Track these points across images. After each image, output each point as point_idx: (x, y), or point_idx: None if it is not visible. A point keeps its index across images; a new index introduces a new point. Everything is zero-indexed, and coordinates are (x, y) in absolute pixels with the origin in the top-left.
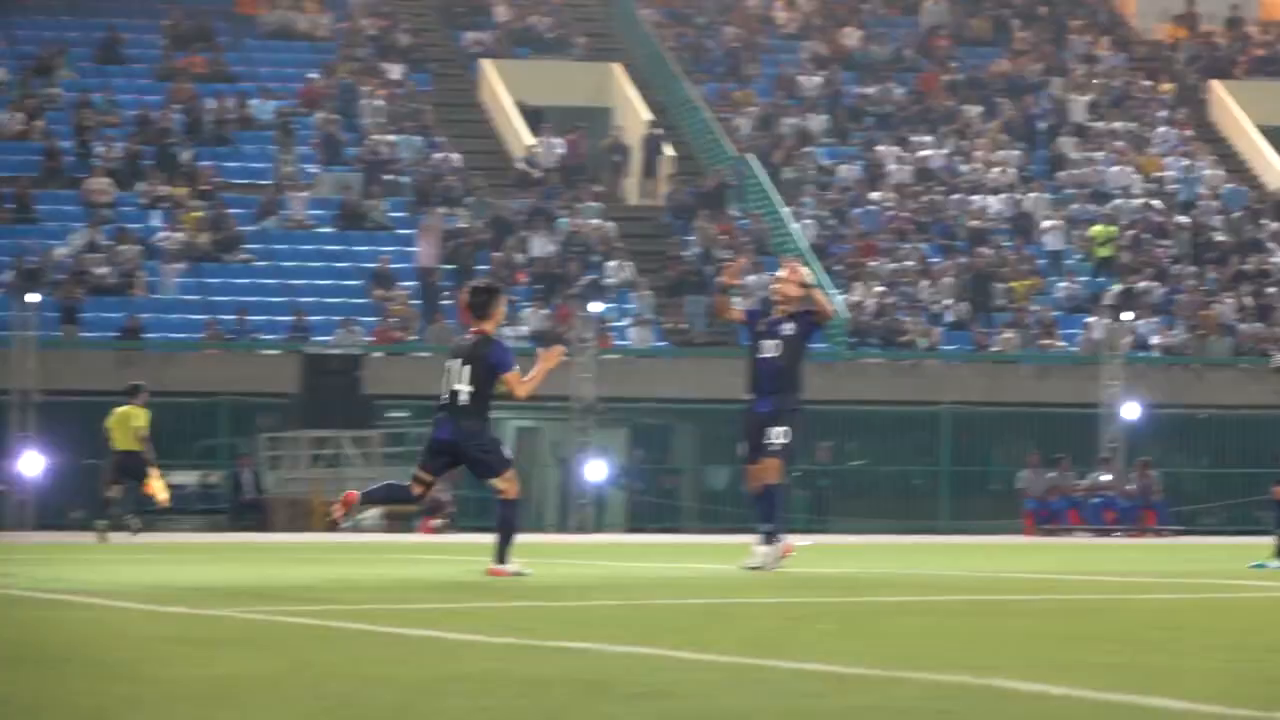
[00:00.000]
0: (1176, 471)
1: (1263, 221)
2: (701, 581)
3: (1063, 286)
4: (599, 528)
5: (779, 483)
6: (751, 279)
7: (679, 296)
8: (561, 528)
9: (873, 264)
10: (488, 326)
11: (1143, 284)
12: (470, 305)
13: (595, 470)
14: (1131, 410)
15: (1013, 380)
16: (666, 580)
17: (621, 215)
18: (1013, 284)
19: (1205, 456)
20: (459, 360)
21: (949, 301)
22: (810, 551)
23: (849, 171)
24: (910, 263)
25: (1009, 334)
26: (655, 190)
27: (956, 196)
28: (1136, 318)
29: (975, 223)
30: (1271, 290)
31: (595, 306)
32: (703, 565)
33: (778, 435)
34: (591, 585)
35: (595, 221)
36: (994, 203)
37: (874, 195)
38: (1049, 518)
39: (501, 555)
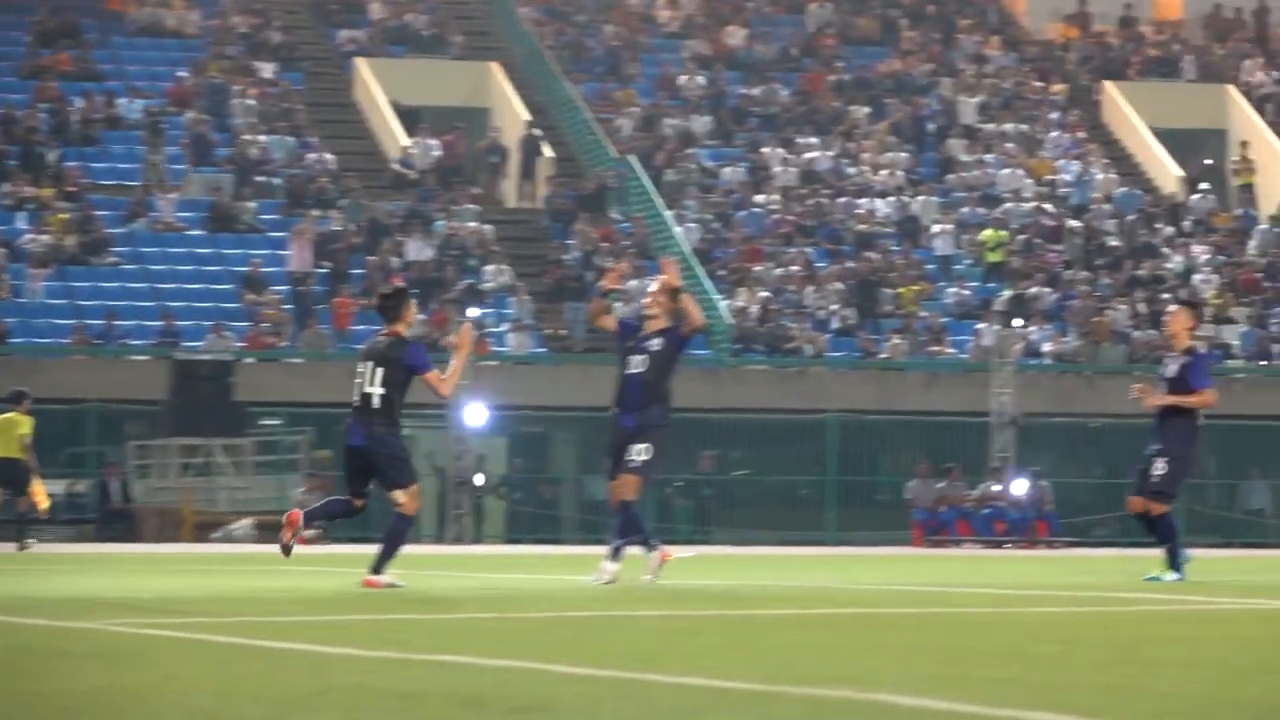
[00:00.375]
0: (1069, 481)
1: (1157, 226)
2: (581, 594)
3: (952, 292)
4: (477, 538)
5: (635, 499)
6: (633, 284)
7: (559, 302)
8: (438, 538)
9: (757, 269)
10: (400, 328)
11: (1034, 290)
12: (381, 308)
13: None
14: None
15: (901, 388)
16: (545, 592)
17: (500, 218)
18: (901, 290)
19: (1098, 466)
20: (370, 363)
21: (835, 307)
22: (692, 563)
23: (733, 174)
24: (796, 268)
25: (897, 340)
26: (534, 192)
27: (843, 200)
28: (1027, 324)
29: (862, 227)
30: (1165, 296)
31: (473, 312)
32: (582, 577)
33: (638, 452)
34: (468, 597)
35: (473, 224)
36: (882, 206)
37: (759, 198)
38: (938, 529)
39: (379, 566)
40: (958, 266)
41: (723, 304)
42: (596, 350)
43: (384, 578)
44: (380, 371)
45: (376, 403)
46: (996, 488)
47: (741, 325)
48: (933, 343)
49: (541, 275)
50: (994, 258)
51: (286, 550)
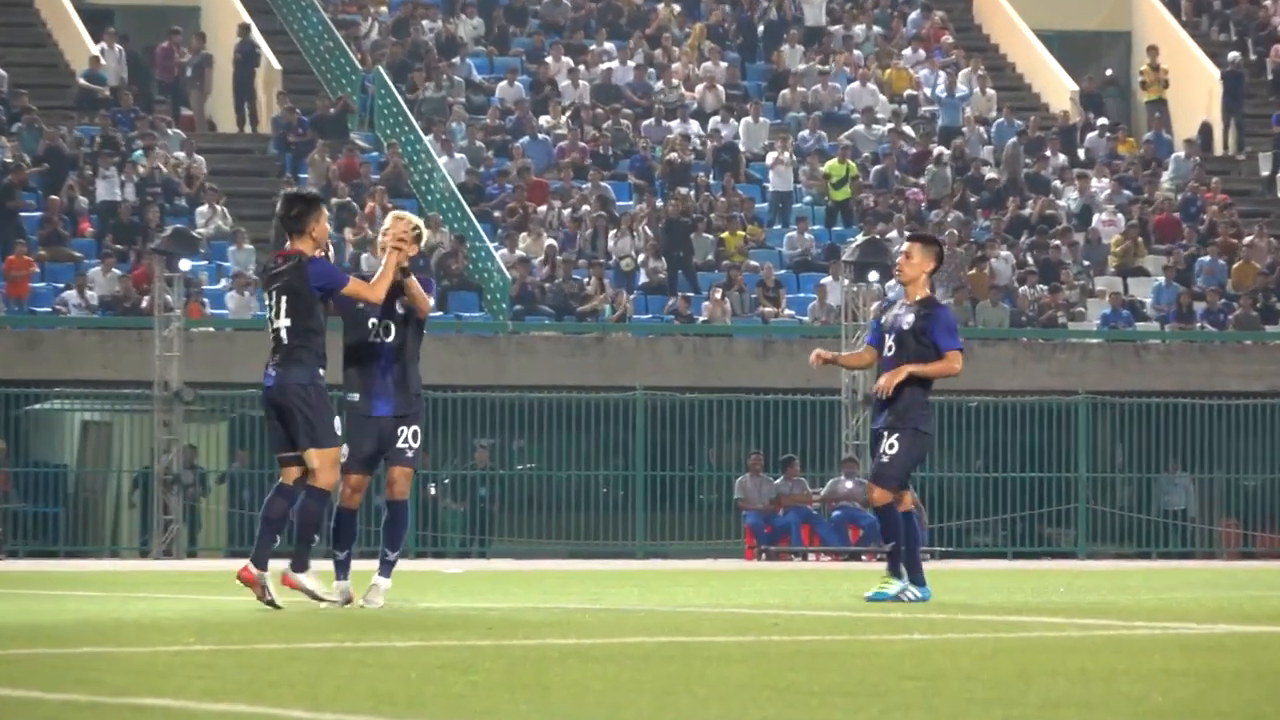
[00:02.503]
0: (938, 476)
1: (1046, 154)
2: (318, 620)
3: (789, 238)
4: (192, 551)
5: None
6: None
7: None
8: (143, 551)
9: (541, 209)
10: (304, 245)
11: (892, 234)
12: (284, 218)
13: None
14: None
15: (725, 359)
16: (275, 619)
17: (214, 147)
18: (724, 235)
19: (976, 456)
20: (274, 290)
21: (641, 258)
22: (463, 581)
23: (509, 91)
24: (589, 208)
25: (719, 299)
26: (257, 115)
27: (649, 123)
28: (884, 278)
29: (674, 156)
30: (1057, 243)
31: (183, 265)
32: (330, 598)
33: (410, 439)
34: (181, 624)
35: (180, 155)
36: (698, 130)
37: (543, 121)
38: (775, 536)
39: (297, 559)
40: (796, 205)
41: (499, 254)
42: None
43: (306, 579)
44: (284, 300)
45: (285, 337)
46: (849, 484)
47: (523, 281)
48: (764, 302)
49: (268, 219)
50: (840, 195)
51: (273, 604)
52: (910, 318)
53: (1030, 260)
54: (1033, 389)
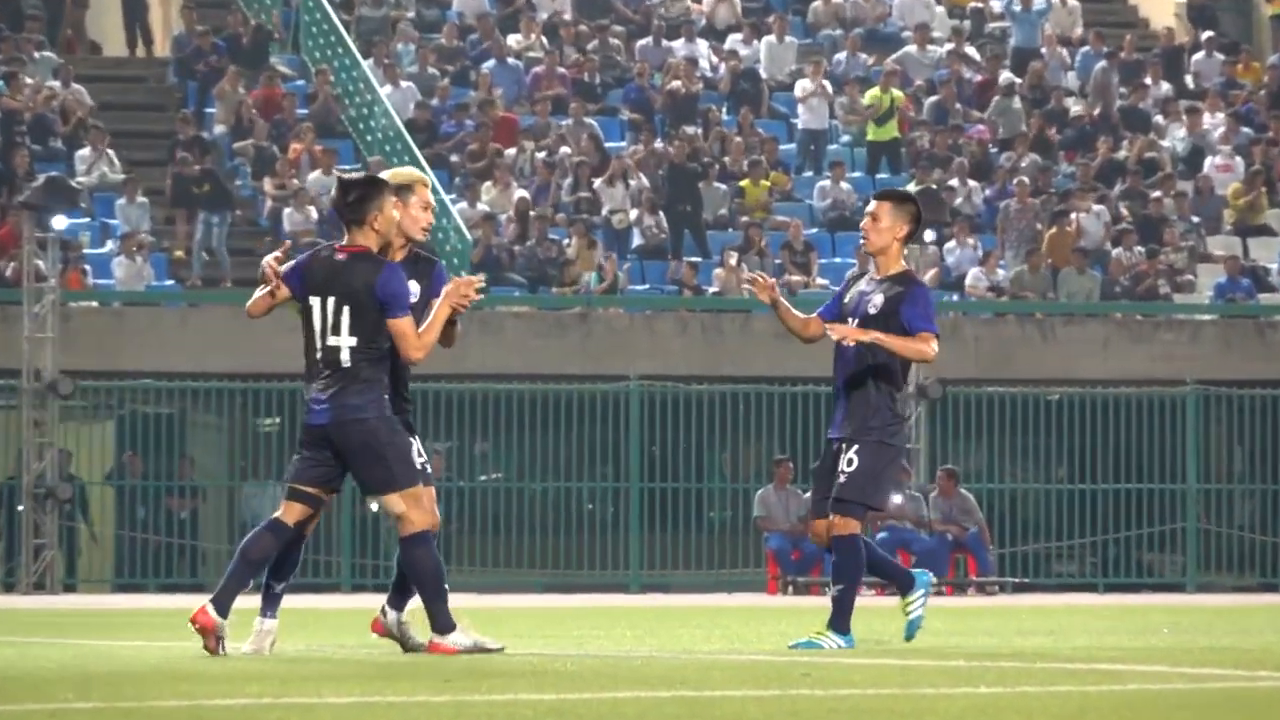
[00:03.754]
0: (1010, 489)
1: (1145, 82)
2: (231, 671)
3: (822, 189)
4: (70, 584)
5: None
6: (314, 181)
7: (192, 208)
8: (8, 585)
9: (510, 153)
10: (366, 239)
11: (952, 183)
12: (339, 207)
13: None
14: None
15: (742, 342)
16: (176, 669)
17: (97, 74)
18: (741, 185)
19: (1058, 463)
20: (329, 297)
21: (635, 213)
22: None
23: (470, 3)
24: (570, 151)
25: (734, 265)
26: (152, 35)
27: (645, 43)
28: (940, 238)
29: (677, 84)
30: (1159, 194)
31: (58, 223)
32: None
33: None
34: (58, 677)
35: (54, 85)
36: (706, 53)
37: (512, 41)
38: (804, 564)
39: (439, 621)
40: (831, 147)
41: (456, 210)
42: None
43: (459, 638)
44: (348, 312)
45: (346, 360)
46: (897, 499)
47: (487, 243)
48: (791, 269)
49: (168, 164)
50: (886, 134)
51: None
52: (879, 299)
53: (1126, 215)
54: (1129, 378)
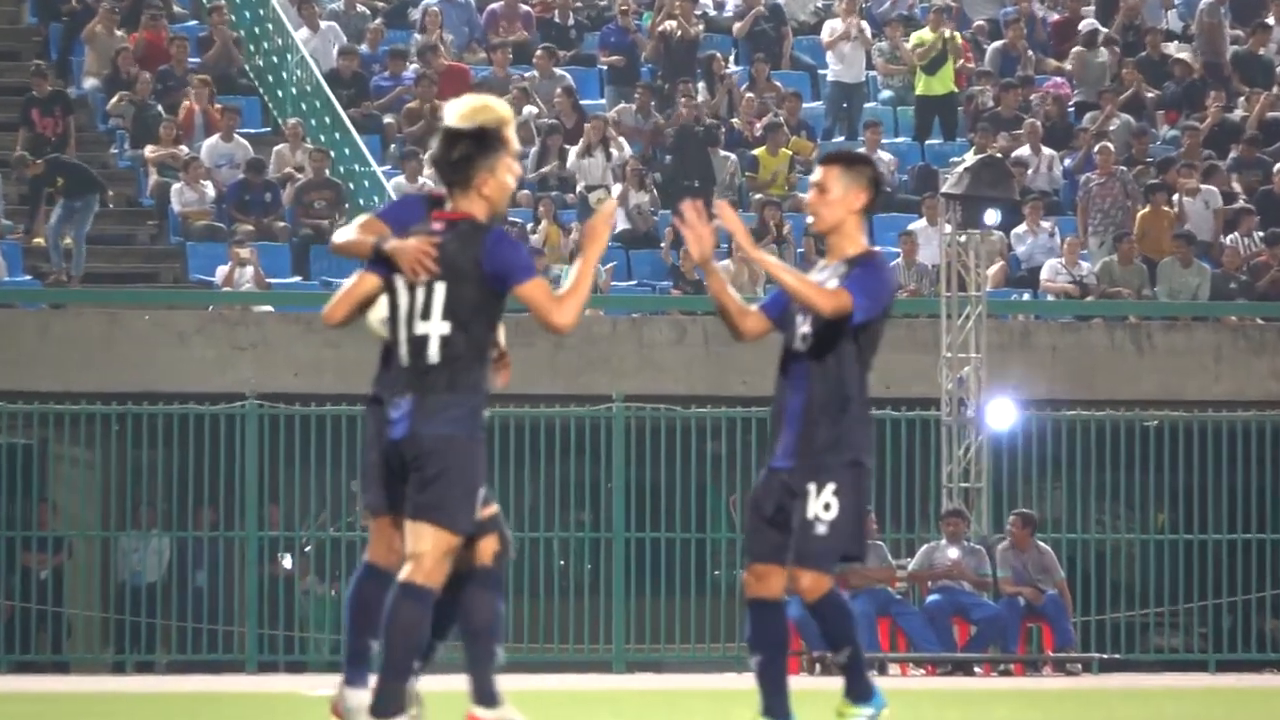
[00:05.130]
0: (1094, 539)
1: (1267, 21)
2: None
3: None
4: None
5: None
6: (210, 149)
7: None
8: None
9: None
10: (474, 206)
11: (1022, 151)
12: (440, 163)
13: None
14: (1001, 414)
15: (755, 353)
16: None
17: None
18: (755, 154)
19: (1158, 507)
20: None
21: (620, 190)
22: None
23: None
24: (537, 110)
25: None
26: None
27: None
28: (1008, 222)
29: (672, 26)
30: None
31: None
32: None
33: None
34: None
35: None
36: None
37: None
38: None
39: (481, 689)
40: (868, 105)
41: (391, 185)
42: (147, 278)
43: (501, 713)
44: (441, 290)
45: (435, 354)
46: (953, 553)
47: None
48: (817, 259)
49: (18, 130)
50: (938, 87)
51: None
52: (834, 282)
53: (1241, 192)
54: (1247, 399)
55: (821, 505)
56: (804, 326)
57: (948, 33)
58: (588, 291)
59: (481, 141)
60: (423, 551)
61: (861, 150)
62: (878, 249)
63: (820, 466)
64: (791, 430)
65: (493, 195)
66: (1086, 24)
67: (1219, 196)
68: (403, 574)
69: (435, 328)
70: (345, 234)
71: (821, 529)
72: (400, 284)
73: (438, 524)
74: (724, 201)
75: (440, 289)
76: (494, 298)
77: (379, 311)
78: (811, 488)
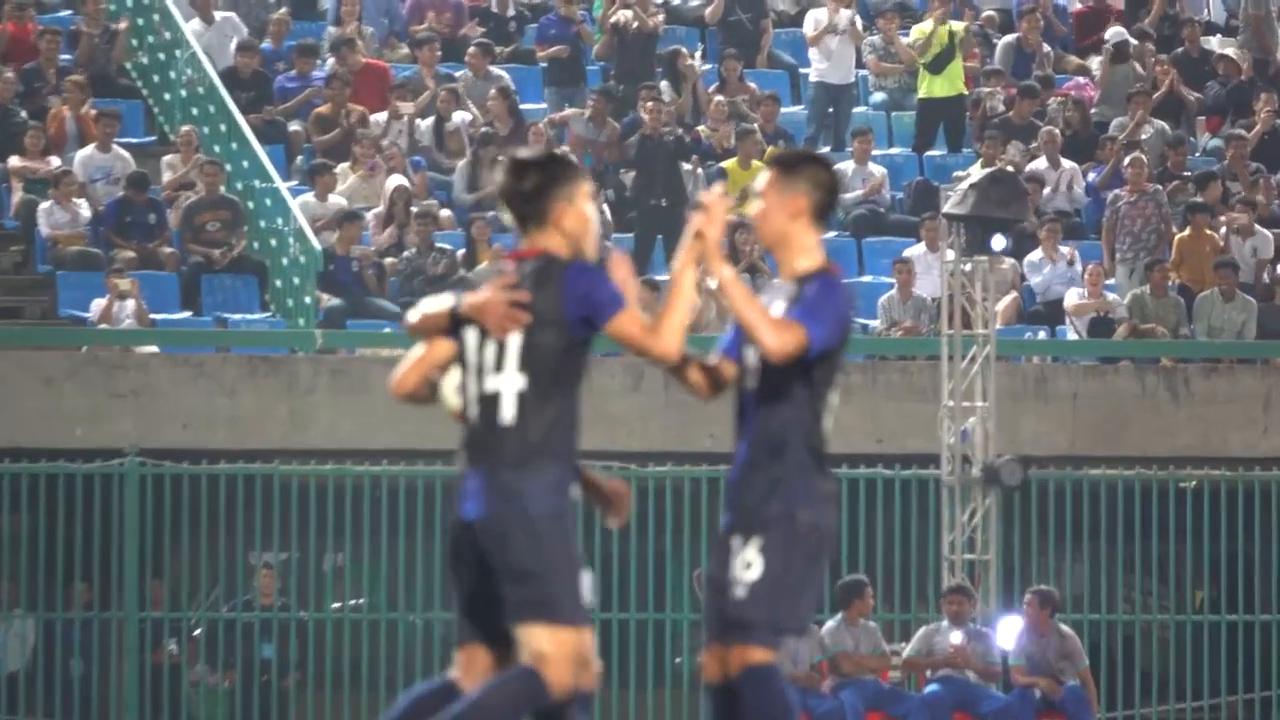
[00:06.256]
0: (1122, 620)
1: None
2: None
3: (844, 169)
4: None
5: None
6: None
7: None
8: None
9: (378, 119)
10: (551, 242)
11: (1038, 164)
12: (512, 197)
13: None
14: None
15: (725, 407)
16: None
17: None
18: (726, 166)
19: (1197, 584)
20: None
21: None
22: None
23: None
24: (468, 116)
25: (713, 286)
26: None
27: None
28: (1019, 247)
29: (626, 16)
30: None
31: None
32: None
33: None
34: None
35: None
36: None
37: None
38: None
39: None
40: (858, 110)
41: (297, 204)
42: (10, 313)
43: None
44: (517, 338)
45: (509, 415)
46: (957, 636)
47: (346, 254)
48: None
49: None
50: (941, 88)
51: None
52: (781, 304)
53: None
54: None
55: (742, 564)
56: (753, 359)
57: (953, 25)
58: (686, 308)
59: (554, 168)
60: (546, 652)
61: (806, 149)
62: (830, 265)
63: (749, 518)
64: (731, 480)
65: (574, 228)
66: (1115, 14)
67: (1271, 244)
68: (544, 670)
69: (509, 383)
70: (420, 309)
71: (738, 592)
72: (469, 333)
73: (552, 622)
74: (720, 190)
75: (515, 337)
76: (579, 345)
77: (455, 379)
78: (735, 543)
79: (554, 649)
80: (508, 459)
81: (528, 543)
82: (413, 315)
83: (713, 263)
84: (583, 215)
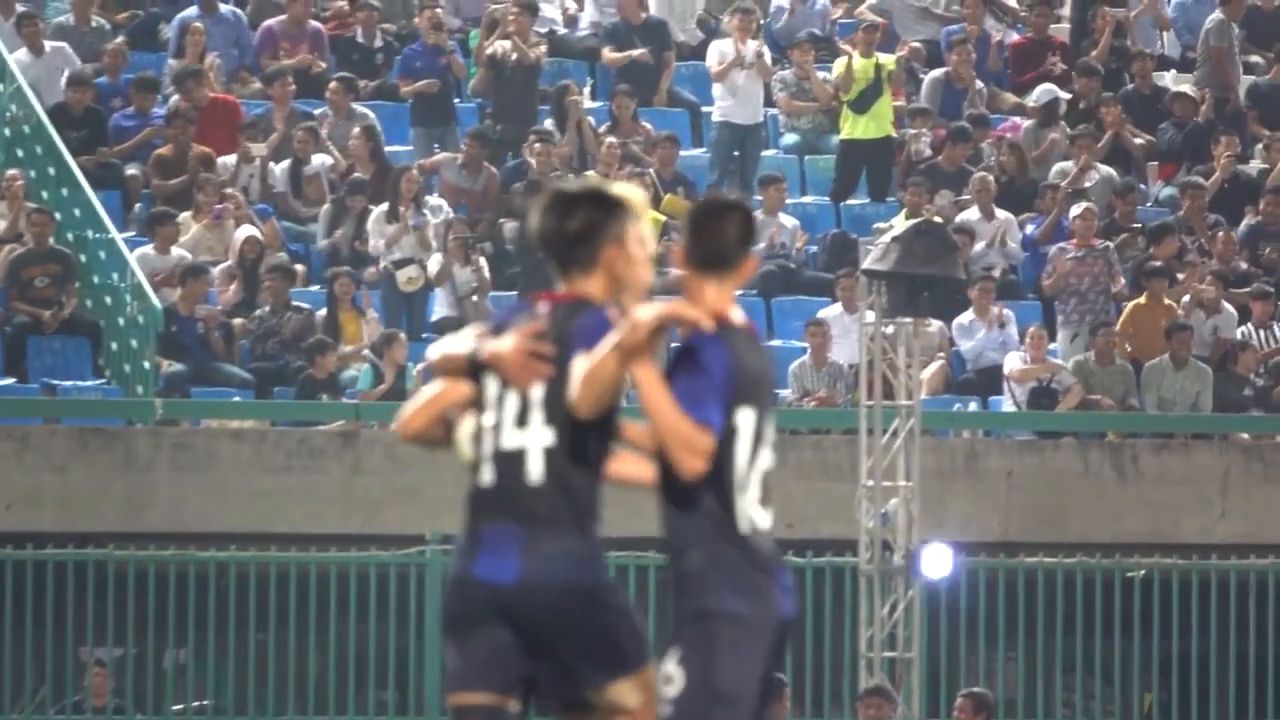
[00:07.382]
0: None
1: None
2: None
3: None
4: None
5: None
6: None
7: None
8: None
9: (226, 162)
10: (592, 287)
11: (969, 215)
12: (554, 239)
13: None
14: (936, 562)
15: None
16: None
17: None
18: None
19: (1142, 683)
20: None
21: (438, 264)
22: None
23: None
24: (330, 160)
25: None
26: None
27: None
28: (947, 309)
29: (504, 49)
30: None
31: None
32: None
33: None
34: None
35: None
36: None
37: None
38: None
39: None
40: (768, 154)
41: (134, 257)
42: None
43: None
44: (540, 389)
45: (537, 473)
46: None
47: (187, 314)
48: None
49: None
50: (863, 130)
51: None
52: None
53: (1259, 270)
54: (1262, 541)
55: (664, 679)
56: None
57: (880, 57)
58: (602, 370)
59: (606, 205)
60: (638, 703)
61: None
62: (713, 322)
63: (671, 628)
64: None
65: (624, 273)
66: (1057, 45)
67: (1235, 321)
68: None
69: (535, 439)
70: (440, 347)
71: (665, 711)
72: (490, 381)
73: (631, 672)
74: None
75: (537, 389)
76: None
77: (470, 426)
78: (663, 661)
79: (644, 694)
80: (546, 522)
81: (592, 611)
82: (433, 352)
83: (633, 363)
84: (635, 258)
